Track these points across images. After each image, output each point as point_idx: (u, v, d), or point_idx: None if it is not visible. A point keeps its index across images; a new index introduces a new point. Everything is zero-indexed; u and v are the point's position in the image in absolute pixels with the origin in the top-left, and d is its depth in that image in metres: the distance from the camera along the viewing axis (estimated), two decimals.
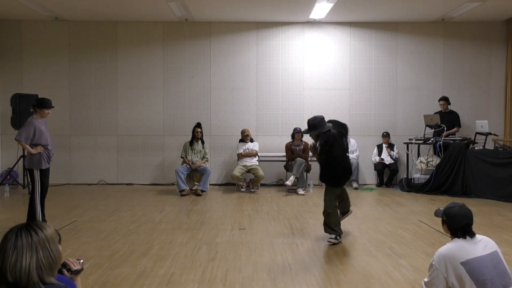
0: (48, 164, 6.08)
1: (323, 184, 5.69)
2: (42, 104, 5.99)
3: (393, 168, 9.67)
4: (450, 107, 9.56)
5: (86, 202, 8.00)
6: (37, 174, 5.94)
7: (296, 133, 9.26)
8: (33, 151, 5.87)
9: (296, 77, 10.11)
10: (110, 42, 10.06)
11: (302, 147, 9.28)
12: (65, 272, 2.25)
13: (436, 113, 9.45)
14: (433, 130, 9.12)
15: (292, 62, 10.10)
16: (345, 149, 5.59)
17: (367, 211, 7.26)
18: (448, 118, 9.24)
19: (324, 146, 5.32)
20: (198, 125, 9.18)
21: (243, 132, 9.43)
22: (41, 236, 1.96)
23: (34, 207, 5.95)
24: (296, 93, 10.10)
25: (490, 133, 8.67)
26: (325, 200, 5.45)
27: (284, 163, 9.42)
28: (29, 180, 6.13)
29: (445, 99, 9.48)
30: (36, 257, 1.91)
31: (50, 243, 1.98)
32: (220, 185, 9.97)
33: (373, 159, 9.95)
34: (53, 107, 6.14)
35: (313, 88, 10.08)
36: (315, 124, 5.37)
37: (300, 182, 8.87)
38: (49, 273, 1.93)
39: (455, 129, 9.34)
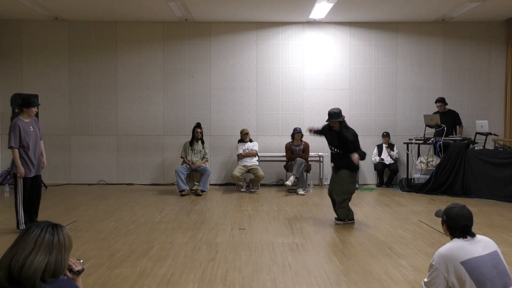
0: (34, 173, 5.79)
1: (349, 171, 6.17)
2: (29, 103, 5.73)
3: (393, 168, 9.67)
4: (448, 107, 9.56)
5: (86, 202, 7.99)
6: (20, 181, 5.71)
7: (296, 133, 9.25)
8: (20, 167, 5.61)
9: (296, 77, 10.11)
10: (110, 42, 10.06)
11: (302, 147, 9.27)
12: (67, 273, 2.26)
13: (435, 113, 9.45)
14: (434, 130, 9.12)
15: (292, 62, 10.10)
16: None
17: (367, 211, 7.25)
18: (447, 118, 9.24)
19: (355, 136, 6.25)
20: (198, 125, 9.19)
21: (242, 131, 9.42)
22: (61, 240, 1.98)
23: (16, 215, 5.76)
24: (296, 93, 10.10)
25: (490, 133, 8.67)
26: (352, 183, 6.21)
27: (284, 163, 9.42)
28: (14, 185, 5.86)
29: (441, 101, 9.46)
30: (48, 260, 1.91)
31: (64, 250, 1.99)
32: (220, 185, 9.97)
33: (373, 159, 9.95)
34: (39, 104, 6.04)
35: (313, 88, 10.08)
36: (340, 113, 6.24)
37: (300, 182, 8.87)
38: (49, 280, 1.93)
39: (460, 128, 9.36)
